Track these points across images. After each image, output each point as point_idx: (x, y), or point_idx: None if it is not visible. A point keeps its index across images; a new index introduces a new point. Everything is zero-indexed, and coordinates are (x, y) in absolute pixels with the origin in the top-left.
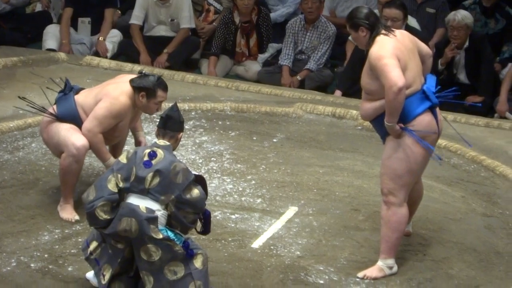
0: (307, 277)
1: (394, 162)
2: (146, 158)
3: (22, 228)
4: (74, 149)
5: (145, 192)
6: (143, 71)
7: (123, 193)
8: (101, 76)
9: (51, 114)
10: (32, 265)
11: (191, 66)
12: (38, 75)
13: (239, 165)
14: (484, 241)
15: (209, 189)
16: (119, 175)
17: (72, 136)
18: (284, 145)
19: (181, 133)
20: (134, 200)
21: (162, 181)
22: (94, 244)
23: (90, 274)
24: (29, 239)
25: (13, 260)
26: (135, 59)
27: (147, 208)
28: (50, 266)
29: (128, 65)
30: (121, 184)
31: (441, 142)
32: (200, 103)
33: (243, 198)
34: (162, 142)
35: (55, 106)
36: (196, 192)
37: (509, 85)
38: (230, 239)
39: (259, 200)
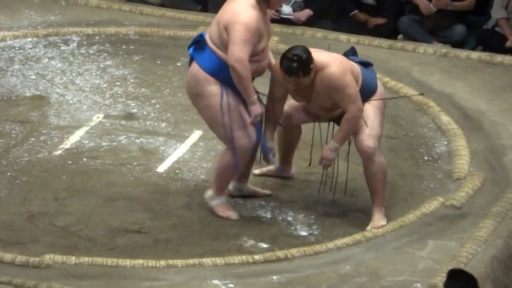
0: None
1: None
2: None
3: None
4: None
5: None
6: None
7: None
8: None
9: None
10: None
11: None
12: None
13: (143, 89)
14: (388, 163)
15: (113, 113)
16: None
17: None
18: (188, 69)
19: None
20: None
21: None
22: None
23: None
24: None
25: None
26: None
27: None
28: None
29: None
30: None
31: None
32: (104, 28)
33: (147, 122)
34: None
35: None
36: None
37: None
38: (135, 163)
39: (164, 124)
